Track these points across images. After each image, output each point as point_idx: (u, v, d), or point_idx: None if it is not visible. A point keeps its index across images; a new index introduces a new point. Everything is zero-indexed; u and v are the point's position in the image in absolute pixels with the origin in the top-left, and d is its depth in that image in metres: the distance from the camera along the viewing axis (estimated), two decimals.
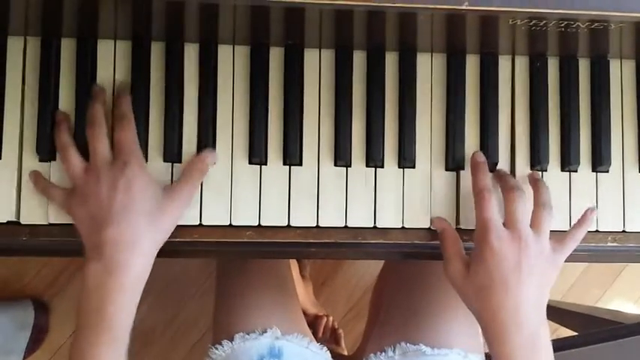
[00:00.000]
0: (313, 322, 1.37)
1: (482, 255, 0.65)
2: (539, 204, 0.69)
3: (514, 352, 0.64)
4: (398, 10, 0.59)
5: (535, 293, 0.65)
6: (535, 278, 0.65)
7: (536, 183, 0.70)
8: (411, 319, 0.87)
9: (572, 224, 0.72)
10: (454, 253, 0.69)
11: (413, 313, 0.87)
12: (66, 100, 0.69)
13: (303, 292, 1.42)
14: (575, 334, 1.15)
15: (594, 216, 0.71)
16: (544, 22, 0.62)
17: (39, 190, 0.67)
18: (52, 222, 0.68)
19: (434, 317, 0.86)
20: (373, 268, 1.56)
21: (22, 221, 0.68)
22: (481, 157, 0.71)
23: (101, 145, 0.65)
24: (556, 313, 1.37)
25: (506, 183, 0.69)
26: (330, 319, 1.40)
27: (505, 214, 0.67)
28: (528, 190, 0.70)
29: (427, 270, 0.89)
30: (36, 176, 0.68)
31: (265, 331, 0.82)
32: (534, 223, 0.67)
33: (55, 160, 0.68)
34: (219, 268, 0.96)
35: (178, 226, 0.68)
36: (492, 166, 0.72)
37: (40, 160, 0.68)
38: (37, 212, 0.68)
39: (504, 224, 0.67)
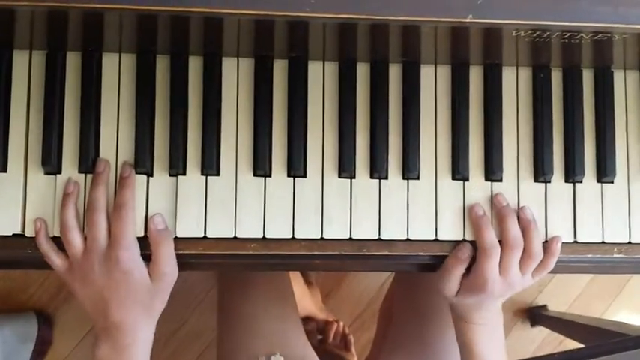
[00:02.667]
0: (324, 328, 1.37)
1: (477, 298, 0.72)
2: (529, 255, 0.70)
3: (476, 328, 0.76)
4: (402, 23, 0.60)
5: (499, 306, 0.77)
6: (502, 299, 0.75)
7: (527, 227, 0.70)
8: (420, 336, 0.88)
9: (576, 236, 0.72)
10: (455, 277, 0.72)
11: (422, 330, 0.88)
12: (71, 114, 0.69)
13: (310, 299, 1.41)
14: (582, 345, 1.14)
15: (559, 244, 0.72)
16: (547, 33, 0.62)
17: (39, 248, 0.68)
18: (56, 235, 0.68)
19: (444, 335, 0.86)
20: (378, 278, 1.55)
21: (27, 234, 0.68)
22: (480, 211, 0.71)
23: (99, 234, 0.67)
24: (562, 324, 1.37)
25: (507, 234, 0.70)
26: (341, 324, 1.40)
27: (501, 264, 0.70)
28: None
29: (435, 285, 0.89)
30: (40, 235, 0.68)
31: (269, 359, 0.83)
32: (523, 270, 0.71)
33: (60, 173, 0.69)
34: (221, 283, 0.96)
35: (183, 239, 0.68)
36: (498, 175, 0.72)
37: (46, 174, 0.69)
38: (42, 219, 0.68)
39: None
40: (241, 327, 0.87)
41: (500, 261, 0.69)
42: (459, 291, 0.72)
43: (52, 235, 0.68)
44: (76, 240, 0.67)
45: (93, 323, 0.69)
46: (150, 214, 0.69)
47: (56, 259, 0.68)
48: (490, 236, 0.70)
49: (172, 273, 0.69)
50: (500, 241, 0.70)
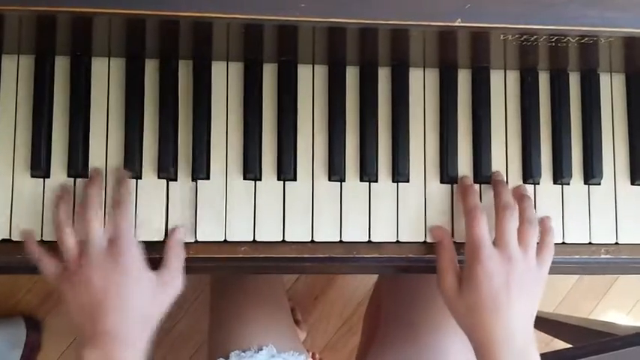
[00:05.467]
0: None
1: (472, 274, 0.66)
2: (525, 221, 0.69)
3: None
4: (391, 27, 0.60)
5: (524, 310, 0.66)
6: (524, 296, 0.66)
7: (522, 199, 0.71)
8: (410, 335, 0.87)
9: (564, 237, 0.73)
10: (448, 267, 0.69)
11: (412, 328, 0.87)
12: (60, 118, 0.69)
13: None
14: (570, 346, 1.15)
15: (551, 222, 0.72)
16: (535, 37, 0.63)
17: (29, 255, 0.66)
18: (45, 239, 0.68)
19: (434, 334, 0.86)
20: (366, 281, 1.56)
21: (14, 238, 0.68)
22: (469, 181, 0.71)
23: (96, 231, 0.64)
24: (550, 325, 1.37)
25: (499, 199, 0.69)
26: (317, 356, 1.40)
27: (495, 231, 0.68)
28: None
29: (426, 284, 0.89)
30: (28, 239, 0.66)
31: (261, 349, 0.82)
32: (521, 240, 0.68)
33: (49, 177, 0.68)
34: (213, 284, 0.96)
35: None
36: (487, 177, 0.72)
37: (32, 177, 0.68)
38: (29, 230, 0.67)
39: (494, 242, 0.67)
40: (233, 321, 0.86)
41: (495, 227, 0.68)
42: (461, 287, 0.67)
43: (39, 240, 0.68)
44: (70, 241, 0.64)
45: (79, 332, 0.63)
46: (139, 217, 0.68)
47: (49, 264, 0.65)
48: (473, 199, 0.69)
49: (178, 285, 0.67)
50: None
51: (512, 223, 0.68)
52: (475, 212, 0.68)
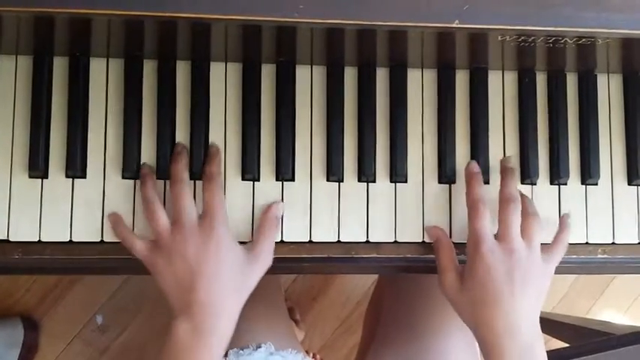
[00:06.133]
0: None
1: (474, 267, 0.65)
2: (528, 214, 0.69)
3: None
4: (389, 28, 0.60)
5: (529, 305, 0.65)
6: (529, 290, 0.65)
7: (523, 197, 0.71)
8: (410, 335, 0.87)
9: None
10: (448, 264, 0.69)
11: (413, 330, 0.87)
12: (58, 118, 0.69)
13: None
14: (567, 345, 1.15)
15: (569, 220, 0.72)
16: (532, 38, 0.63)
17: (118, 237, 0.67)
18: (43, 240, 0.68)
19: (434, 334, 0.86)
20: (364, 282, 1.56)
21: (12, 239, 0.68)
22: (476, 168, 0.71)
23: (187, 204, 0.65)
24: (547, 324, 1.38)
25: (505, 190, 0.69)
26: (318, 356, 1.40)
27: (498, 224, 0.68)
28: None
29: (426, 284, 0.89)
30: (116, 222, 0.67)
31: (259, 347, 0.82)
32: (525, 234, 0.67)
33: (46, 178, 0.68)
34: None
35: None
36: (485, 176, 0.72)
37: (30, 177, 0.68)
38: (27, 230, 0.68)
39: (496, 236, 0.67)
40: None
41: (498, 220, 0.67)
42: (463, 283, 0.67)
43: (39, 240, 0.68)
44: (161, 215, 0.65)
45: (171, 305, 0.64)
46: (137, 216, 0.69)
47: (137, 242, 0.66)
48: (480, 191, 0.68)
49: (269, 259, 0.67)
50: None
51: (515, 215, 0.67)
52: (478, 205, 0.67)
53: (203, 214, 0.66)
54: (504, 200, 0.68)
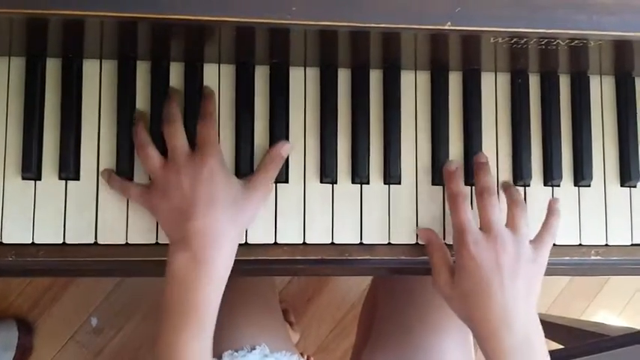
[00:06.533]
0: None
1: (462, 260, 0.66)
2: (513, 202, 0.69)
3: (508, 357, 0.63)
4: (381, 30, 0.60)
5: (521, 293, 0.64)
6: (519, 278, 0.65)
7: (508, 187, 0.72)
8: (405, 336, 0.87)
9: (555, 238, 0.73)
10: (441, 263, 0.69)
11: (407, 330, 0.87)
12: (51, 120, 0.69)
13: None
14: (561, 347, 1.15)
15: (559, 205, 0.72)
16: (524, 40, 0.63)
17: (114, 188, 0.68)
18: (36, 242, 0.68)
19: (429, 335, 0.86)
20: (359, 283, 1.56)
21: (5, 241, 0.67)
22: (452, 167, 0.71)
23: (180, 141, 0.66)
24: (542, 326, 1.38)
25: (478, 182, 0.70)
26: (312, 358, 1.40)
27: (479, 217, 0.68)
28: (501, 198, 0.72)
29: (420, 285, 0.89)
30: (109, 174, 0.68)
31: (254, 348, 0.82)
32: (510, 222, 0.68)
33: (40, 179, 0.68)
34: None
35: (163, 245, 0.68)
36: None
37: (23, 179, 0.68)
38: (20, 232, 0.68)
39: (480, 228, 0.67)
40: (225, 321, 0.85)
41: (478, 210, 0.68)
42: (454, 279, 0.67)
43: (32, 242, 0.68)
44: (153, 153, 0.66)
45: (170, 239, 0.65)
46: (130, 219, 0.69)
47: (133, 187, 0.67)
48: (456, 185, 0.69)
49: (267, 192, 0.68)
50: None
51: (492, 204, 0.67)
52: (457, 198, 0.68)
53: (197, 147, 0.66)
54: (479, 192, 0.69)
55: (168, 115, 0.68)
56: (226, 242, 0.64)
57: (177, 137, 0.66)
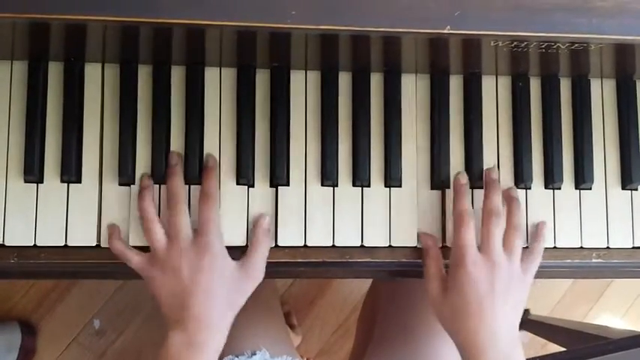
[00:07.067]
0: None
1: (457, 278, 0.67)
2: (512, 226, 0.70)
3: None
4: (380, 34, 0.60)
5: (508, 315, 0.67)
6: (509, 300, 0.67)
7: (510, 201, 0.71)
8: (407, 338, 0.87)
9: (555, 241, 0.73)
10: (434, 273, 0.70)
11: (409, 332, 0.87)
12: (53, 123, 0.69)
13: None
14: (564, 349, 1.15)
15: (544, 230, 0.73)
16: (525, 43, 0.63)
17: (115, 252, 0.68)
18: (38, 244, 0.68)
19: (429, 338, 0.86)
20: (361, 286, 1.56)
21: (7, 243, 0.68)
22: (463, 179, 0.72)
23: (183, 222, 0.67)
24: (544, 328, 1.38)
25: (488, 203, 0.70)
26: None
27: (481, 235, 0.69)
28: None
29: (422, 288, 0.89)
30: (113, 235, 0.68)
31: (255, 353, 0.82)
32: (507, 245, 0.69)
33: (42, 182, 0.69)
34: None
35: None
36: (479, 182, 0.73)
37: (26, 182, 0.68)
38: (22, 234, 0.68)
39: (479, 247, 0.68)
40: None
41: (481, 232, 0.69)
42: (446, 292, 0.68)
43: (34, 245, 0.68)
44: (158, 231, 0.67)
45: (166, 316, 0.66)
46: (131, 222, 0.69)
47: (134, 255, 0.67)
48: (465, 203, 0.69)
49: (261, 272, 0.69)
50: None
51: (498, 228, 0.69)
52: (463, 216, 0.68)
53: (198, 230, 0.67)
54: (487, 213, 0.69)
55: (171, 193, 0.68)
56: (221, 327, 0.66)
57: (181, 217, 0.67)
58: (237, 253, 0.69)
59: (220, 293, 0.66)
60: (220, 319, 0.66)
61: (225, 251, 0.67)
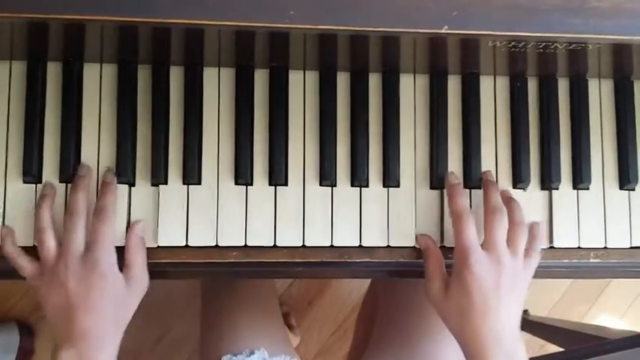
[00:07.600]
0: None
1: (461, 277, 0.66)
2: (514, 223, 0.70)
3: None
4: (379, 34, 0.61)
5: (512, 312, 0.67)
6: (512, 298, 0.67)
7: (509, 201, 0.71)
8: (406, 339, 0.87)
9: (553, 241, 0.73)
10: (435, 272, 0.69)
11: (408, 332, 0.87)
12: (52, 123, 0.69)
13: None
14: (562, 350, 1.15)
15: (540, 227, 0.72)
16: (523, 43, 0.64)
17: (6, 256, 0.66)
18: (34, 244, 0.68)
19: (428, 339, 0.86)
20: (360, 286, 1.56)
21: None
22: (455, 179, 0.72)
23: (76, 236, 0.65)
24: (543, 329, 1.38)
25: (489, 201, 0.70)
26: None
27: (484, 234, 0.68)
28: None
29: (421, 289, 0.89)
30: (5, 238, 0.67)
31: (253, 353, 0.82)
32: (510, 243, 0.69)
33: (41, 183, 0.69)
34: (204, 290, 0.96)
35: (165, 248, 0.69)
36: (477, 182, 0.73)
37: (24, 182, 0.69)
38: (22, 235, 0.68)
39: (482, 245, 0.68)
40: (224, 326, 0.86)
41: (484, 230, 0.69)
42: (450, 291, 0.68)
43: (33, 245, 0.68)
44: (49, 242, 0.65)
45: (55, 332, 0.65)
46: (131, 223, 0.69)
47: (25, 264, 0.66)
48: (462, 201, 0.69)
49: (145, 282, 0.68)
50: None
51: (501, 226, 0.68)
52: (462, 216, 0.68)
53: (89, 246, 0.65)
54: (489, 211, 0.69)
55: (71, 206, 0.66)
56: (110, 342, 0.65)
57: (75, 231, 0.65)
58: (237, 253, 0.69)
59: (108, 310, 0.64)
60: (108, 334, 0.65)
61: (115, 267, 0.66)
